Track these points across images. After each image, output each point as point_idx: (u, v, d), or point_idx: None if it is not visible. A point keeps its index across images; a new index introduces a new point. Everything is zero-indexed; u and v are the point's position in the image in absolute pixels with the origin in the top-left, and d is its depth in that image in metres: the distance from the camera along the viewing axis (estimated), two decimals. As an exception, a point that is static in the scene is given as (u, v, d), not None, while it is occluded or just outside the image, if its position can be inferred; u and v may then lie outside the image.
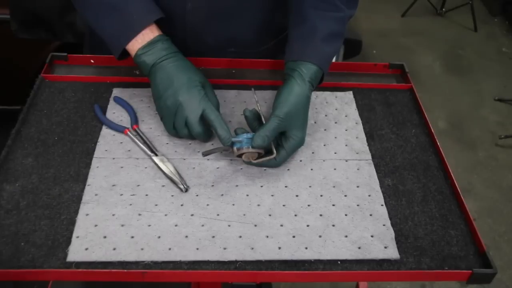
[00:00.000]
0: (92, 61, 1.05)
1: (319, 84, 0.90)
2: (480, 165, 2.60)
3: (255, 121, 0.85)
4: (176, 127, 0.84)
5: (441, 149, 0.90)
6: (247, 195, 0.80)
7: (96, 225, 0.73)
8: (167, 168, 0.82)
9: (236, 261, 0.70)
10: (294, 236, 0.74)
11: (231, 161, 0.85)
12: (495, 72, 3.33)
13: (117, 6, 0.85)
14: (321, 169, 0.85)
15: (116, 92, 0.97)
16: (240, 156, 0.82)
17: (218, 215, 0.76)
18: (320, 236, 0.74)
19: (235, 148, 0.81)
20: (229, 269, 0.70)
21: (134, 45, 0.84)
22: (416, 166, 0.87)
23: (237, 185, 0.81)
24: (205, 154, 0.80)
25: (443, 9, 3.85)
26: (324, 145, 0.90)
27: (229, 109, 0.96)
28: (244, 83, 1.02)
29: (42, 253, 0.70)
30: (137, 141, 0.87)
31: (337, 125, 0.94)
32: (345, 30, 0.94)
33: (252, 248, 0.72)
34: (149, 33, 0.84)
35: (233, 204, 0.78)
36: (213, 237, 0.73)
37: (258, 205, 0.78)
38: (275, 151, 0.82)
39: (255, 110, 0.86)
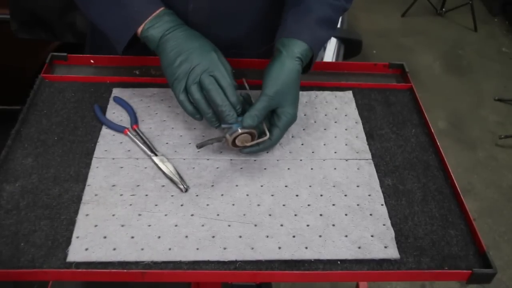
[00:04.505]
0: (92, 61, 1.05)
1: (308, 70, 0.90)
2: (480, 165, 2.60)
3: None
4: (189, 89, 0.81)
5: (441, 149, 0.90)
6: (247, 195, 0.80)
7: (96, 225, 0.73)
8: (167, 168, 0.82)
9: (236, 261, 0.70)
10: (294, 236, 0.74)
11: (231, 161, 0.85)
12: (495, 72, 3.33)
13: (118, 0, 0.85)
14: (321, 168, 0.85)
15: (116, 92, 0.97)
16: (234, 144, 0.81)
17: (218, 215, 0.76)
18: (320, 236, 0.74)
19: (227, 135, 0.80)
20: (229, 269, 0.70)
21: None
22: (416, 166, 0.87)
23: (237, 185, 0.81)
24: (199, 146, 0.80)
25: (443, 9, 3.85)
26: (324, 144, 0.90)
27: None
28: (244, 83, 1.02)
29: (42, 253, 0.70)
30: (137, 141, 0.87)
31: (337, 125, 0.94)
32: (338, 20, 0.95)
33: (252, 248, 0.72)
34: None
35: (233, 204, 0.78)
36: (213, 237, 0.73)
37: (258, 205, 0.78)
38: (268, 132, 0.82)
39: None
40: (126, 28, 0.85)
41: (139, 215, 0.75)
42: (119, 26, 0.86)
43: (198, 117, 0.83)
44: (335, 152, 0.88)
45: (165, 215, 0.75)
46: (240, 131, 0.79)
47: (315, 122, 0.94)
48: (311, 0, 0.90)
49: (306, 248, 0.72)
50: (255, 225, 0.75)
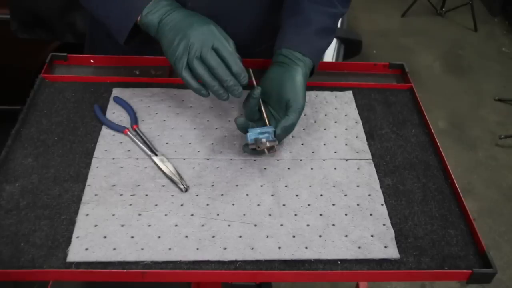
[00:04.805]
0: (92, 61, 1.05)
1: (310, 76, 0.92)
2: (480, 165, 2.60)
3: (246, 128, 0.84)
4: (191, 65, 0.79)
5: (441, 149, 0.90)
6: (247, 194, 0.80)
7: (96, 225, 0.73)
8: (167, 168, 0.82)
9: (236, 261, 0.70)
10: (294, 236, 0.74)
11: (231, 161, 0.85)
12: (495, 72, 3.32)
13: None
14: (321, 168, 0.85)
15: (115, 92, 0.97)
16: (260, 148, 0.81)
17: (218, 215, 0.76)
18: (320, 236, 0.74)
19: (264, 139, 0.80)
20: (229, 269, 0.70)
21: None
22: (416, 166, 0.87)
23: (237, 185, 0.81)
24: (245, 150, 0.84)
25: (443, 9, 3.85)
26: (324, 144, 0.90)
27: (229, 108, 0.96)
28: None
29: (42, 253, 0.70)
30: (137, 141, 0.87)
31: (337, 125, 0.94)
32: (336, 26, 0.97)
33: (252, 248, 0.72)
34: None
35: (233, 204, 0.78)
36: (213, 237, 0.73)
37: (258, 205, 0.78)
38: (268, 124, 0.83)
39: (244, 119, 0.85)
40: (127, 16, 0.85)
41: (139, 215, 0.75)
42: (120, 15, 0.86)
43: (204, 93, 0.81)
44: (335, 152, 0.88)
45: (165, 215, 0.75)
46: (271, 141, 0.80)
47: (315, 122, 0.94)
48: (309, 10, 0.91)
49: (306, 248, 0.72)
50: (255, 225, 0.75)
